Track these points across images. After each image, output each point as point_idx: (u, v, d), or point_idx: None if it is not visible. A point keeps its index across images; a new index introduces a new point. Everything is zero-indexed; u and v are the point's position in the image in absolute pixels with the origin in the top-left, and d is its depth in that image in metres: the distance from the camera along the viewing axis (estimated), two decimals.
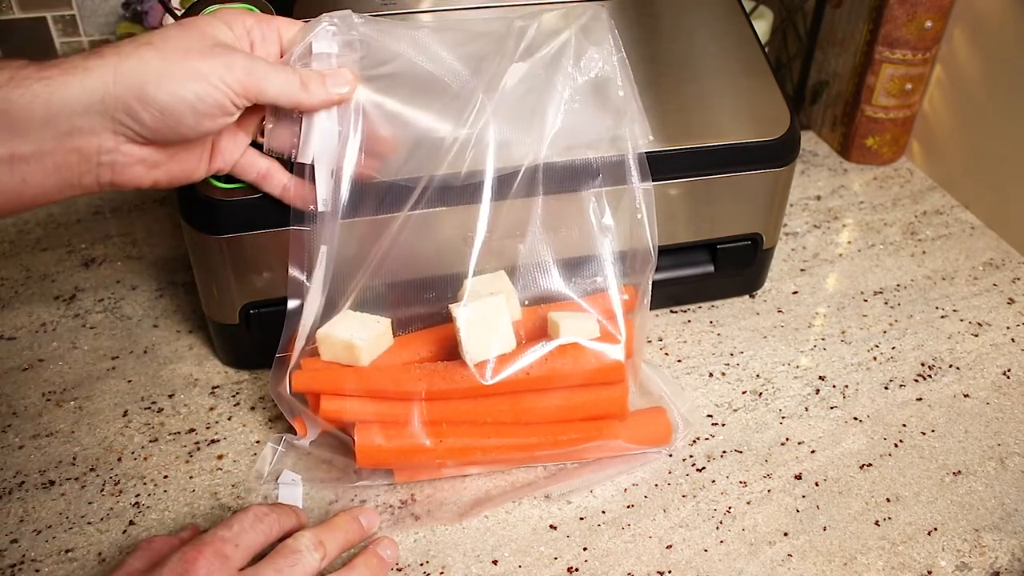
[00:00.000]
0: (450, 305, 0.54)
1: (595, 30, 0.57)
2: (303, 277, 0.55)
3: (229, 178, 0.56)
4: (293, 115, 0.52)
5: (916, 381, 0.66)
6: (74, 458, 0.58)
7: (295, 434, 0.57)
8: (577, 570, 0.52)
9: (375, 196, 0.54)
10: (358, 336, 0.54)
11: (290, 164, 0.54)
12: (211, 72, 0.46)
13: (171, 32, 0.47)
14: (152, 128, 0.46)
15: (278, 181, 0.54)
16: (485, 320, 0.53)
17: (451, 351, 0.55)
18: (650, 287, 0.58)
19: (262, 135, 0.54)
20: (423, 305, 0.58)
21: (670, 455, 0.59)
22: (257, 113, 0.53)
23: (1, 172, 0.43)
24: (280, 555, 0.46)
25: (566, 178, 0.57)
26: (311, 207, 0.54)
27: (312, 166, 0.53)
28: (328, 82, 0.51)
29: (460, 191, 0.55)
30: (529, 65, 0.55)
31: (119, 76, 0.44)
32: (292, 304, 0.55)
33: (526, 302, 0.58)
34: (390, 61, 0.54)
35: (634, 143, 0.57)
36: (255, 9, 0.54)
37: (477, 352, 0.53)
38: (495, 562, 0.52)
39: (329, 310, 0.55)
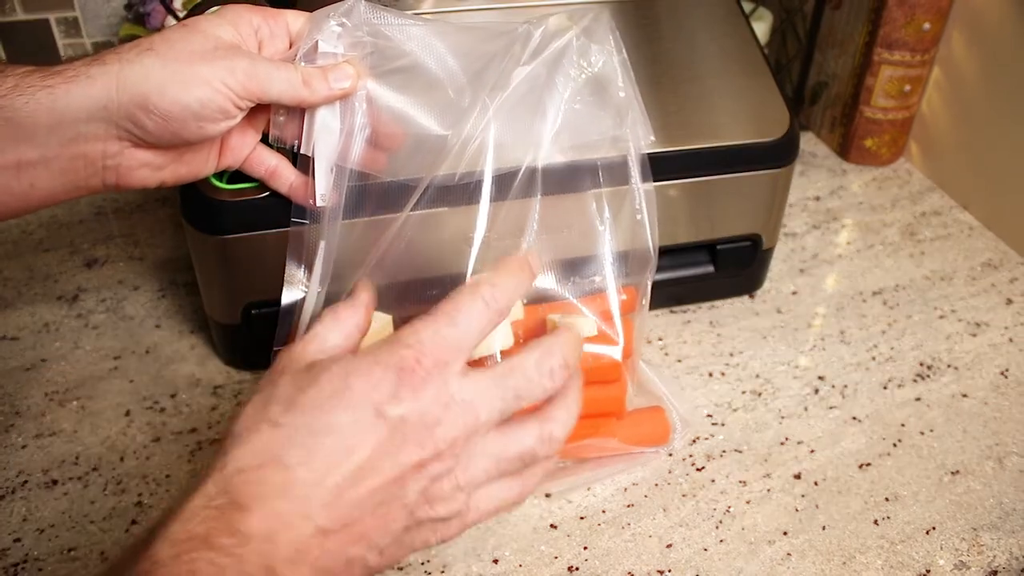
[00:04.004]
0: None
1: (596, 31, 0.57)
2: (301, 272, 0.55)
3: (231, 178, 0.56)
4: (299, 109, 0.53)
5: (915, 381, 0.66)
6: (77, 457, 0.58)
7: None
8: (577, 569, 0.52)
9: (376, 196, 0.55)
10: None
11: (296, 159, 0.54)
12: (213, 77, 0.46)
13: (174, 35, 0.47)
14: (156, 134, 0.46)
15: (286, 178, 0.54)
16: None
17: None
18: (650, 288, 0.59)
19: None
20: (426, 302, 0.58)
21: (670, 454, 0.59)
22: (267, 109, 0.53)
23: (9, 178, 0.44)
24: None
25: (566, 178, 0.57)
26: (311, 202, 0.54)
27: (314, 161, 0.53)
28: (330, 77, 0.51)
29: (460, 191, 0.55)
30: (532, 66, 0.55)
31: (122, 84, 0.44)
32: (288, 299, 0.56)
33: (525, 301, 0.58)
34: (398, 58, 0.54)
35: (636, 144, 0.57)
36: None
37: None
38: (496, 561, 0.52)
39: (329, 305, 0.55)
